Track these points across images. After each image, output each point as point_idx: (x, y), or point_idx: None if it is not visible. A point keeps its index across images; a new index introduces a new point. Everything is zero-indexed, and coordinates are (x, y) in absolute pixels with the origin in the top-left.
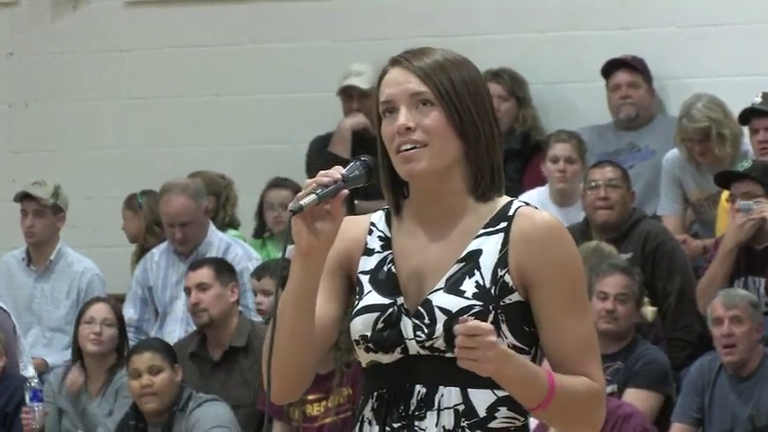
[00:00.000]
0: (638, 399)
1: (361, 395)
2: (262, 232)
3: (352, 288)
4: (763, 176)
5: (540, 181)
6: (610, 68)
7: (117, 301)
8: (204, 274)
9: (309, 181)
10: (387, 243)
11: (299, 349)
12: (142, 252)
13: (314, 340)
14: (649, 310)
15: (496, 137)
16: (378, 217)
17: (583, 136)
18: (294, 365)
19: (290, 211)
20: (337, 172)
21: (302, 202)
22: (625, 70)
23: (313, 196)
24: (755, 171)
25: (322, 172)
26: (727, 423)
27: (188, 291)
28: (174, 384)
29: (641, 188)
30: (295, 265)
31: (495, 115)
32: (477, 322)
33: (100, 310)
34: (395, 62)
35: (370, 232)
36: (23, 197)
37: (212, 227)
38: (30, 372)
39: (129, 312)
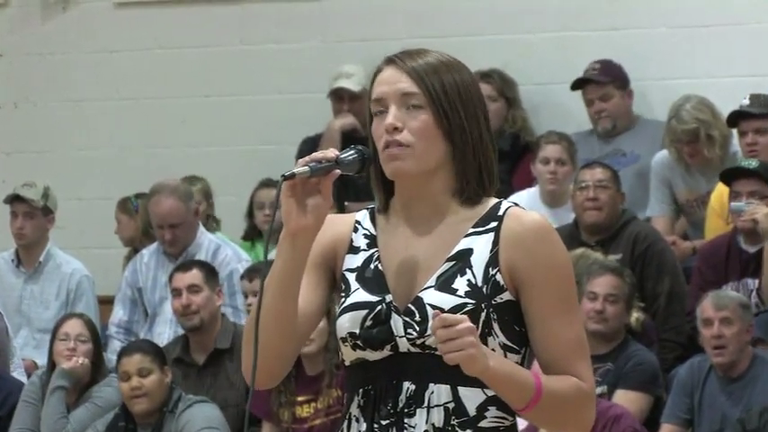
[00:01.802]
0: (627, 400)
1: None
2: (252, 233)
3: (333, 283)
4: None
5: (530, 182)
6: (580, 84)
7: (108, 304)
8: (195, 276)
9: (303, 158)
10: (372, 241)
11: (281, 333)
12: (135, 254)
13: (296, 327)
14: (633, 318)
15: (486, 141)
16: (362, 215)
17: None
18: (274, 349)
19: (282, 176)
20: (332, 152)
21: (295, 170)
22: (593, 86)
23: (305, 168)
24: (764, 169)
25: (317, 151)
26: (716, 424)
27: (177, 292)
28: (163, 386)
29: (625, 191)
30: (282, 246)
31: (488, 120)
32: (451, 314)
33: (74, 326)
34: (389, 61)
35: (356, 230)
36: (13, 199)
37: (202, 228)
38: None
39: (119, 313)
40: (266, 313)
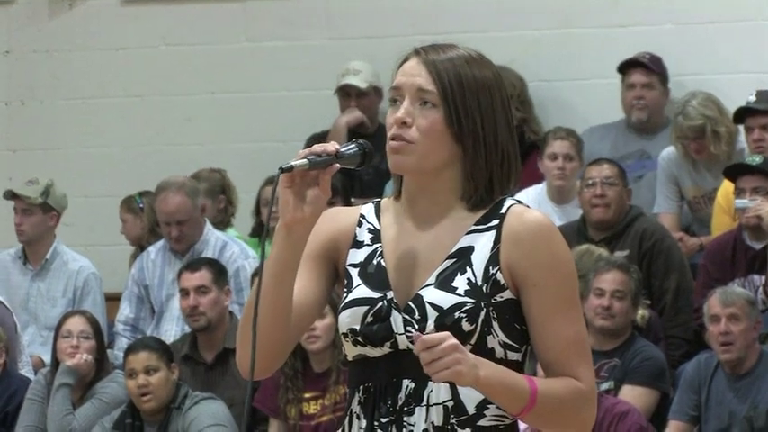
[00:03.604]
0: (634, 396)
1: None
2: (259, 231)
3: (334, 276)
4: None
5: (537, 179)
6: (626, 66)
7: (115, 300)
8: (203, 276)
9: (303, 150)
10: (376, 236)
11: (275, 323)
12: (142, 252)
13: (290, 318)
14: (639, 314)
15: (502, 147)
16: (367, 209)
17: (591, 135)
18: (267, 340)
19: (280, 168)
20: (332, 146)
21: (293, 163)
22: (641, 71)
23: (305, 161)
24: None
25: (318, 144)
26: (723, 421)
27: (185, 292)
28: (170, 383)
29: (649, 197)
30: (278, 237)
31: (510, 124)
32: (431, 335)
33: (76, 323)
34: (416, 52)
35: (360, 224)
36: (12, 196)
37: (208, 225)
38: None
39: (126, 311)
40: (261, 303)
